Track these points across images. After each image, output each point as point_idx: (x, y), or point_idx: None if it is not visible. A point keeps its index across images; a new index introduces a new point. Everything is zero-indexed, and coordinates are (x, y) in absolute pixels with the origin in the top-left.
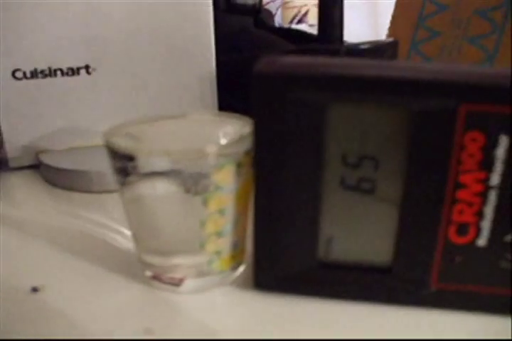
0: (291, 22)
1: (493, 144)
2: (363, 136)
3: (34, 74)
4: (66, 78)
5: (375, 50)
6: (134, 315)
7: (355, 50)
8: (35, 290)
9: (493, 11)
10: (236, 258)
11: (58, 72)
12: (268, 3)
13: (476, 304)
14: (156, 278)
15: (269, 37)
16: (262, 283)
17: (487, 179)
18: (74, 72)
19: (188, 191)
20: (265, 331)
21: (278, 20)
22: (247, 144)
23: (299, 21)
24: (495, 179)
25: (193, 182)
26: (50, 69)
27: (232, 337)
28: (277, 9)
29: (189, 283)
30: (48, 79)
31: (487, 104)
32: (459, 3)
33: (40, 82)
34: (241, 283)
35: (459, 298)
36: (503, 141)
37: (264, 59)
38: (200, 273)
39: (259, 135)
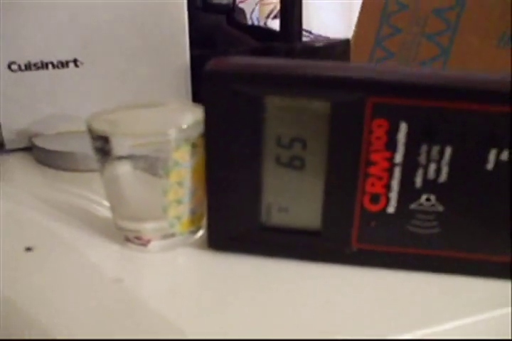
0: (267, 17)
1: (395, 129)
2: (294, 122)
3: (28, 66)
4: (56, 70)
5: (327, 48)
6: (109, 268)
7: (310, 48)
8: (28, 249)
9: (448, 11)
10: (195, 223)
11: (49, 65)
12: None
13: (390, 262)
14: (128, 240)
15: (237, 34)
16: (214, 243)
17: (392, 157)
18: (63, 64)
19: (153, 174)
20: (214, 280)
21: (256, 15)
22: (202, 128)
23: (275, 17)
24: (398, 157)
25: (156, 166)
26: (42, 62)
27: (188, 284)
28: (256, 5)
29: (155, 244)
30: (41, 71)
31: (389, 97)
32: (418, 3)
33: (33, 73)
34: (200, 244)
35: (375, 257)
36: (403, 126)
37: (214, 60)
38: (164, 236)
39: (209, 121)
